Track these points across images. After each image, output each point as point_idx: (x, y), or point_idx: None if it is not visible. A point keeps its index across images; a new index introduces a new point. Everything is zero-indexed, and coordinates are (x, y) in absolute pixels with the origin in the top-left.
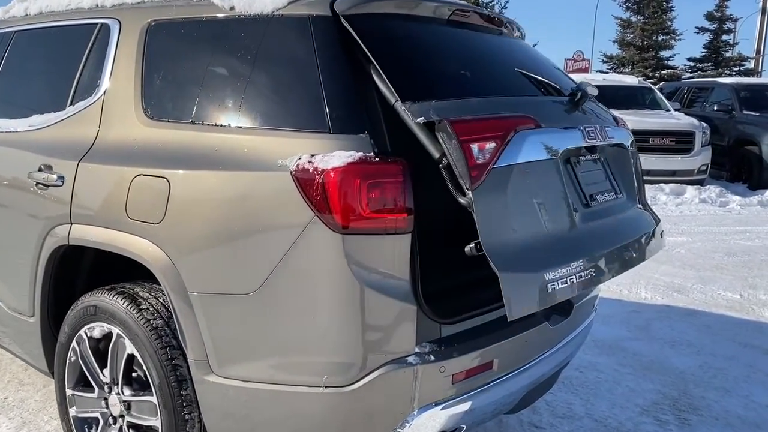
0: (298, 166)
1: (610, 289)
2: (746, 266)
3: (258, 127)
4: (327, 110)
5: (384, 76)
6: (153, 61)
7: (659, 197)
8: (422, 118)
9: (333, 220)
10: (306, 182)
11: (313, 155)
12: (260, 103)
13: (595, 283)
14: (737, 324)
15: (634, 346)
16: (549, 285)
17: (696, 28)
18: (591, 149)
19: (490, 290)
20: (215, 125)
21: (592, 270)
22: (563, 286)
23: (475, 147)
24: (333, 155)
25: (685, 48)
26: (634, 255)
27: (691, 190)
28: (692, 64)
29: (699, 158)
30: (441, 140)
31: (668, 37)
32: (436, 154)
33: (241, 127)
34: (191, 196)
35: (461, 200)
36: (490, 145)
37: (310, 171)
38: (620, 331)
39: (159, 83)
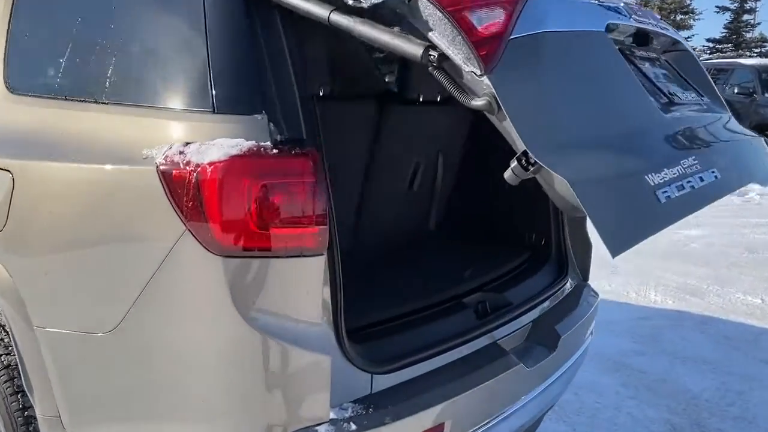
0: (166, 158)
1: (616, 290)
2: (767, 265)
3: (125, 104)
4: (211, 81)
5: None
6: (23, 14)
7: None
8: None
9: (210, 237)
10: (174, 181)
11: (187, 144)
12: (129, 70)
13: (722, 191)
14: (759, 335)
15: (640, 362)
16: (659, 192)
17: (716, 7)
18: (643, 40)
19: (441, 322)
20: (77, 101)
21: (714, 172)
22: (681, 193)
23: (472, 16)
24: (213, 144)
25: (704, 28)
26: (752, 163)
27: None
28: (711, 44)
29: None
30: (417, 27)
31: (687, 16)
32: (417, 52)
33: (107, 103)
34: (38, 197)
35: (476, 103)
36: (495, 12)
37: (181, 166)
38: (625, 342)
39: (26, 45)
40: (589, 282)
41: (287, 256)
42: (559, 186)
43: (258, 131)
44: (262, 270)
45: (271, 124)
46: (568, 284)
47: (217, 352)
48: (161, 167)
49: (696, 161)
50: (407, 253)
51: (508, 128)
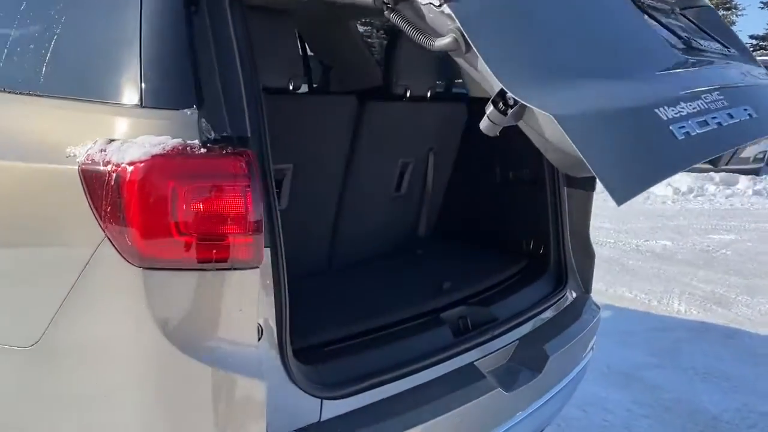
0: (87, 157)
1: (637, 298)
2: None
3: (54, 97)
4: (141, 72)
5: None
6: None
7: (707, 187)
8: None
9: (129, 245)
10: (93, 182)
11: (110, 141)
12: (60, 60)
13: (760, 132)
14: None
15: (656, 377)
16: (675, 127)
17: (761, 3)
18: None
19: (411, 340)
20: (7, 91)
21: (746, 109)
22: (704, 130)
23: None
24: (135, 142)
25: (748, 24)
26: None
27: (744, 181)
28: (755, 41)
29: (756, 144)
30: None
31: (729, 12)
32: None
33: (39, 96)
34: None
35: (440, 44)
36: None
37: (101, 165)
38: (640, 355)
39: None
40: (590, 293)
41: (216, 269)
42: (549, 131)
43: (186, 127)
44: (188, 284)
45: (203, 121)
46: (567, 296)
47: (139, 376)
48: (82, 166)
49: (722, 97)
50: (390, 263)
51: (482, 69)
